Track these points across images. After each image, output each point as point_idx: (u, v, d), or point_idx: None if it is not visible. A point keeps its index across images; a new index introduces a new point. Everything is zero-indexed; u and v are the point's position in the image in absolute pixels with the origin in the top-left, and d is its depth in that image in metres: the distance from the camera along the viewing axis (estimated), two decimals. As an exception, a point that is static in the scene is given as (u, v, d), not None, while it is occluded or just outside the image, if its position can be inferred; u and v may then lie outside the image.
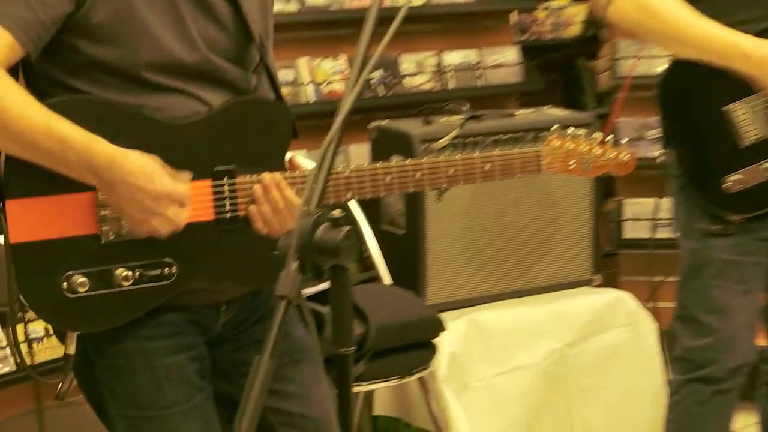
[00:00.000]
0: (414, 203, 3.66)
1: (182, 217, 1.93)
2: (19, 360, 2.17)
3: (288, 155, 2.12)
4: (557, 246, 3.87)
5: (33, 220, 1.90)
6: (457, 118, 3.77)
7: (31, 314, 2.02)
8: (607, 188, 4.44)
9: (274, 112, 2.10)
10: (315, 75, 4.24)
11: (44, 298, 1.93)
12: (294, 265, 1.48)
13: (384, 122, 3.85)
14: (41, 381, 2.19)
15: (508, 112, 4.05)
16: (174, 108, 1.98)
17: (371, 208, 3.66)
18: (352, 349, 1.57)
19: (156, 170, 1.90)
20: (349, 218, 1.54)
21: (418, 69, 4.45)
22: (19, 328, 1.94)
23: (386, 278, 3.60)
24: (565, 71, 5.55)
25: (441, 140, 3.63)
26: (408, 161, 2.13)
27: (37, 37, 1.87)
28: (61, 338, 2.05)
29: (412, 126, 3.75)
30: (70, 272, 1.92)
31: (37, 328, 3.29)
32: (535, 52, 5.03)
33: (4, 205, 1.91)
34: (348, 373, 1.58)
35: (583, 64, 5.50)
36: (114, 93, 1.94)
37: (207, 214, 2.00)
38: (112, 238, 1.95)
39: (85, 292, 1.93)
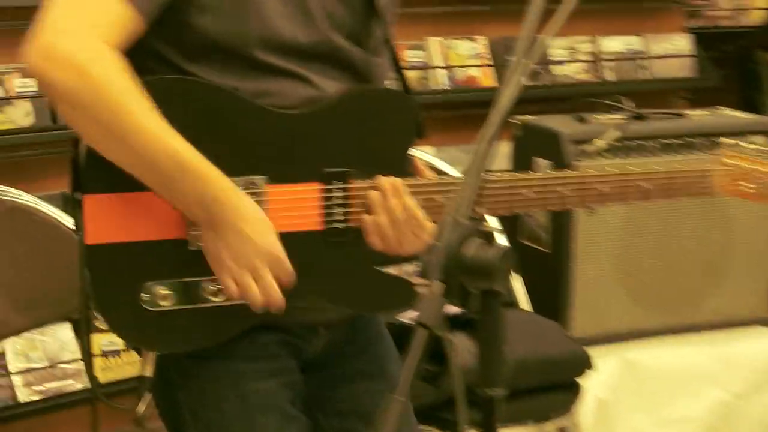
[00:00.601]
0: (561, 216, 3.63)
1: (277, 293, 1.89)
2: (90, 378, 2.17)
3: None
4: (730, 276, 3.81)
5: (113, 219, 1.89)
6: (617, 117, 3.73)
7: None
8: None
9: (399, 105, 2.06)
10: (448, 58, 4.22)
11: (121, 310, 1.92)
12: (438, 287, 1.43)
13: (529, 118, 3.82)
14: (112, 404, 2.17)
15: (677, 111, 3.99)
16: (284, 94, 1.95)
17: (509, 218, 3.62)
18: (503, 392, 1.52)
19: (271, 226, 1.88)
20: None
21: (570, 56, 4.42)
22: (94, 338, 1.93)
23: (524, 303, 3.57)
24: (741, 65, 5.44)
25: (597, 142, 3.58)
26: (551, 173, 2.10)
27: (156, 6, 1.86)
28: (140, 352, 2.05)
29: (562, 124, 3.72)
30: (152, 282, 1.91)
31: (115, 339, 3.32)
32: (708, 42, 4.93)
33: (81, 200, 1.90)
34: (496, 419, 1.53)
35: (764, 57, 5.39)
36: (218, 74, 1.92)
37: (314, 223, 1.98)
38: (201, 245, 1.92)
39: (167, 306, 1.92)
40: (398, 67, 2.11)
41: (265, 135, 1.93)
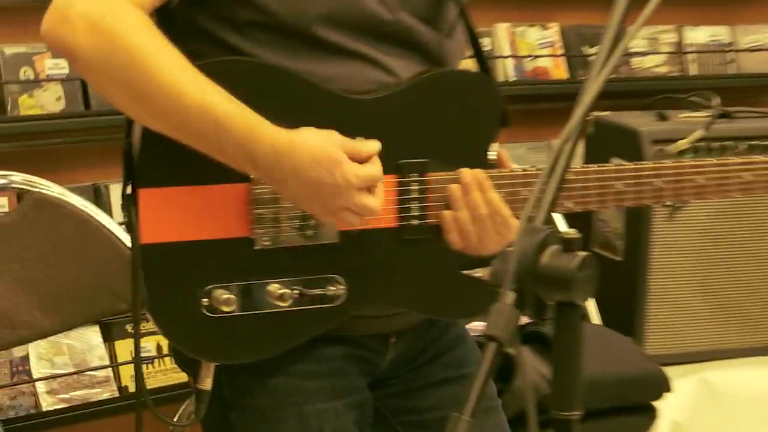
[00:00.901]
0: (636, 222, 3.62)
1: (372, 204, 1.85)
2: (138, 385, 2.14)
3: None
4: (821, 292, 3.76)
5: (171, 215, 1.86)
6: (701, 115, 3.71)
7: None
8: None
9: (480, 90, 2.03)
10: (517, 47, 4.19)
11: (178, 317, 1.89)
12: (510, 297, 1.40)
13: (604, 114, 3.80)
14: (159, 415, 2.15)
15: (766, 111, 3.94)
16: (352, 78, 1.92)
17: (580, 223, 3.58)
18: (578, 414, 1.49)
19: (332, 157, 1.82)
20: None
21: (650, 47, 4.38)
22: (124, 344, 1.92)
23: (595, 317, 3.55)
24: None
25: (679, 142, 3.57)
26: (645, 164, 2.06)
27: None
28: (185, 366, 2.01)
29: (640, 121, 3.70)
30: (213, 285, 1.88)
31: (147, 344, 3.31)
32: (803, 35, 4.90)
33: (135, 194, 1.86)
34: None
35: None
36: (276, 54, 1.89)
37: (389, 219, 1.95)
38: (267, 243, 1.90)
39: (230, 312, 1.89)
40: (477, 50, 2.08)
41: (333, 122, 1.87)
